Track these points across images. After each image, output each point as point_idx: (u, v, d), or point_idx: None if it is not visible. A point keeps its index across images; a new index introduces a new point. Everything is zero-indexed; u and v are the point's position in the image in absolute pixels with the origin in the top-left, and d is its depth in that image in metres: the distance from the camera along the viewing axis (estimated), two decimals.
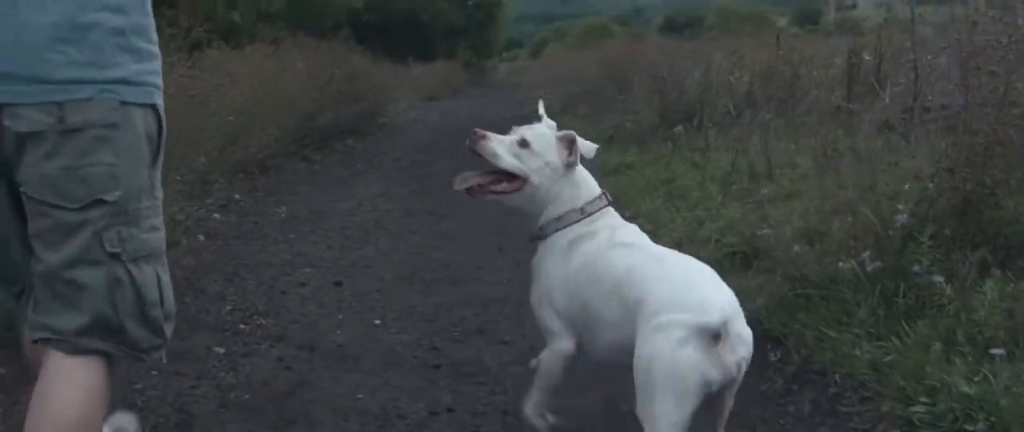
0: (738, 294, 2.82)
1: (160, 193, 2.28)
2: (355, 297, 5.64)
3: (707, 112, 9.51)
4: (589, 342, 2.98)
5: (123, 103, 2.12)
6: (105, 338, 2.17)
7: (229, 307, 5.36)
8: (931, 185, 4.25)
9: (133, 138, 2.15)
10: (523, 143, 3.07)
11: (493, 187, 3.09)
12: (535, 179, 3.03)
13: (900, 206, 4.35)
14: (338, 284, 5.93)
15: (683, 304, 2.62)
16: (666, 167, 8.76)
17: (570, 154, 3.06)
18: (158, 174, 2.26)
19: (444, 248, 7.00)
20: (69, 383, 2.14)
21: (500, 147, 3.08)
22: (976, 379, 3.30)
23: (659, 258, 2.95)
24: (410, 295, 5.67)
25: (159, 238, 2.25)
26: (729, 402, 2.77)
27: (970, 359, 3.44)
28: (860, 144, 6.96)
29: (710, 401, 2.65)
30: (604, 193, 3.15)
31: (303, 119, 12.04)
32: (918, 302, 3.96)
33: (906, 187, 4.48)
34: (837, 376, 3.84)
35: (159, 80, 2.24)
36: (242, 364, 4.43)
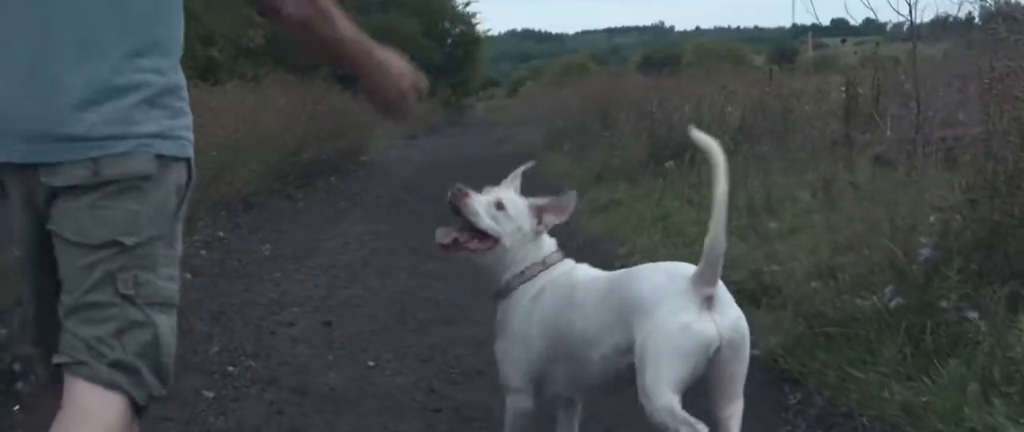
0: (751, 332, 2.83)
1: (179, 245, 2.25)
2: (346, 337, 5.43)
3: (699, 147, 9.32)
4: (580, 365, 2.99)
5: (158, 156, 2.12)
6: (121, 374, 2.11)
7: (217, 348, 5.15)
8: (959, 217, 4.05)
9: (163, 190, 2.15)
10: (499, 205, 3.12)
11: (467, 245, 3.13)
12: (507, 242, 3.09)
13: (923, 239, 4.16)
14: (328, 324, 5.72)
15: (668, 281, 2.80)
16: (659, 203, 8.59)
17: (540, 223, 3.15)
18: (179, 226, 2.25)
19: (433, 287, 6.78)
20: (89, 414, 2.09)
21: (480, 207, 3.11)
22: (1022, 421, 3.11)
23: (639, 267, 3.13)
24: (403, 335, 5.47)
25: (174, 289, 2.21)
26: (739, 385, 2.83)
27: (1015, 399, 3.24)
28: (860, 177, 6.82)
29: (717, 379, 2.77)
30: (559, 250, 3.22)
31: (285, 156, 11.83)
32: (949, 339, 3.76)
33: (931, 219, 4.28)
34: (865, 419, 3.63)
35: (191, 135, 2.22)
36: (232, 408, 4.22)
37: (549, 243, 3.19)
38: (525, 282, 3.09)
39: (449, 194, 3.13)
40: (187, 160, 2.21)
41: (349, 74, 2.38)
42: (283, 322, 5.77)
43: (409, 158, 19.63)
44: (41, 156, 2.05)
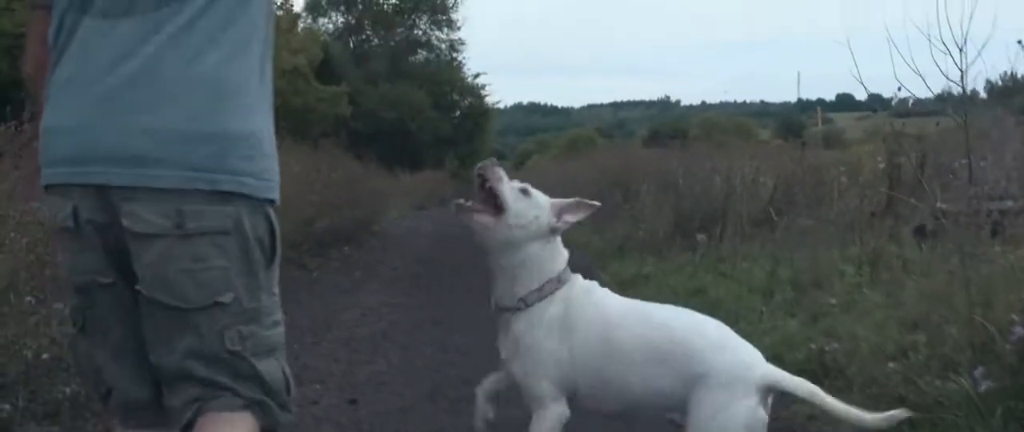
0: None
1: (277, 288, 2.30)
2: (374, 417, 5.08)
3: (731, 219, 9.02)
4: (614, 393, 3.00)
5: (239, 207, 2.18)
6: (248, 391, 2.23)
7: None
8: None
9: (244, 243, 2.20)
10: (525, 191, 3.09)
11: (477, 210, 3.06)
12: (512, 219, 3.02)
13: (1015, 316, 3.82)
14: (353, 402, 5.38)
15: (751, 367, 2.87)
16: (691, 277, 8.26)
17: (558, 220, 3.09)
18: (275, 274, 2.30)
19: (461, 363, 6.42)
20: (231, 422, 2.22)
21: (505, 177, 3.08)
22: None
23: (690, 319, 3.09)
24: (436, 416, 5.11)
25: (279, 333, 2.29)
26: None
27: None
28: (908, 250, 6.50)
29: None
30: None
31: (299, 224, 11.51)
32: None
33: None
34: None
35: (277, 177, 2.29)
36: None
37: (563, 255, 3.12)
38: (543, 299, 3.02)
39: (479, 164, 3.10)
40: (265, 213, 2.26)
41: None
42: (305, 400, 5.40)
43: (421, 229, 19.32)
44: (130, 179, 2.11)
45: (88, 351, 2.34)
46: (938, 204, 6.76)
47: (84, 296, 2.29)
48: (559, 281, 3.05)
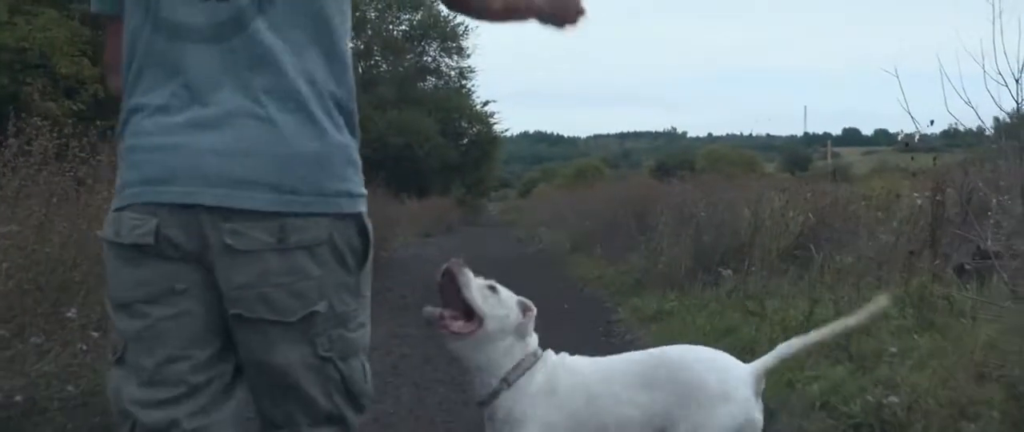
0: None
1: (368, 290, 2.36)
2: None
3: (758, 254, 8.59)
4: None
5: (333, 218, 2.20)
6: (328, 427, 2.34)
7: None
8: None
9: (334, 251, 2.22)
10: (493, 288, 3.09)
11: (452, 324, 3.03)
12: (489, 325, 3.02)
13: None
14: None
15: (741, 375, 2.96)
16: (718, 315, 7.82)
17: (524, 317, 3.10)
18: (366, 277, 2.33)
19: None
20: None
21: (472, 282, 3.06)
22: None
23: (663, 351, 3.20)
24: None
25: (364, 333, 2.37)
26: None
27: None
28: (955, 292, 6.06)
29: None
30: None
31: None
32: None
33: None
34: None
35: (364, 190, 2.34)
36: None
37: (533, 337, 3.13)
38: (524, 373, 3.04)
39: (442, 269, 3.06)
40: (358, 218, 2.28)
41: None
42: None
43: (428, 257, 18.85)
44: (215, 199, 2.12)
45: (118, 384, 2.28)
46: (988, 243, 6.35)
47: (139, 316, 2.22)
48: (535, 356, 3.08)
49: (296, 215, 2.15)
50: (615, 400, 3.00)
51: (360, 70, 42.01)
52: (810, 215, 8.99)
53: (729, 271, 8.60)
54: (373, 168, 18.88)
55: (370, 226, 2.33)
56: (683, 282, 9.59)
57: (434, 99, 42.87)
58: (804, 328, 6.11)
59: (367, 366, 2.42)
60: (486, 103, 44.99)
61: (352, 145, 2.30)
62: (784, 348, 3.09)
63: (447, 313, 3.04)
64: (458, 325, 3.03)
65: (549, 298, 12.03)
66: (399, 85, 42.55)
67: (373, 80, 41.94)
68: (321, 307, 2.22)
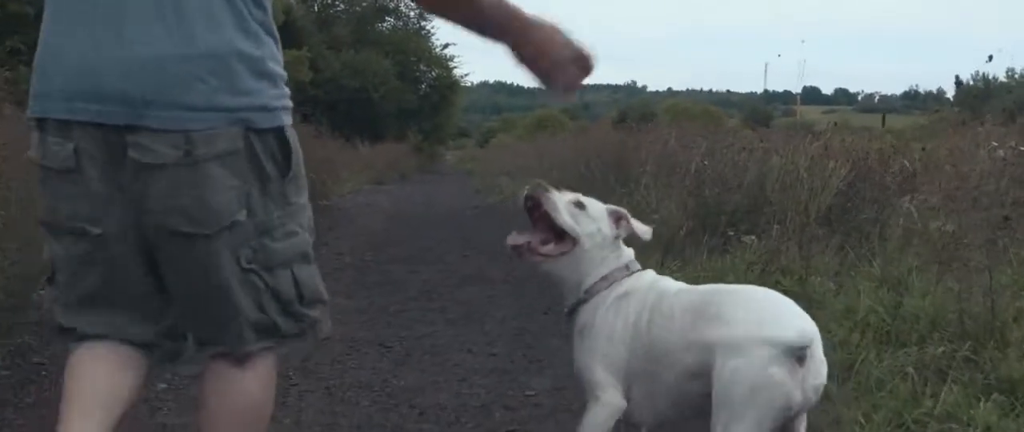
0: None
1: (299, 197, 2.31)
2: None
3: (791, 216, 6.69)
4: (654, 383, 2.84)
5: (248, 129, 2.16)
6: (264, 338, 2.29)
7: None
8: None
9: (253, 160, 2.18)
10: (579, 204, 2.98)
11: (541, 249, 2.95)
12: (586, 243, 2.95)
13: None
14: None
15: (768, 323, 2.62)
16: None
17: (618, 228, 3.01)
18: (293, 185, 2.28)
19: (411, 418, 4.16)
20: (242, 378, 2.29)
21: (560, 202, 2.95)
22: None
23: (733, 287, 3.03)
24: None
25: (293, 243, 2.29)
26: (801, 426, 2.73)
27: None
28: None
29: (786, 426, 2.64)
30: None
31: None
32: None
33: None
34: None
35: (288, 103, 2.27)
36: None
37: (628, 252, 3.05)
38: (608, 286, 2.95)
39: (524, 192, 2.97)
40: (279, 128, 2.23)
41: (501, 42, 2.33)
42: None
43: (378, 206, 16.92)
44: (148, 120, 2.08)
45: (50, 304, 2.39)
46: None
47: (65, 243, 2.27)
48: (627, 269, 2.98)
49: (199, 131, 2.09)
50: (668, 325, 2.82)
51: (316, 8, 40.20)
52: (855, 170, 7.05)
53: (752, 237, 6.73)
54: (325, 110, 16.97)
55: (292, 136, 2.25)
56: (683, 247, 7.70)
57: (392, 40, 41.33)
58: (886, 326, 4.29)
59: (300, 276, 2.30)
60: (446, 46, 43.17)
61: (267, 57, 2.20)
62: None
63: (535, 239, 2.97)
64: (549, 248, 2.96)
65: (513, 258, 10.08)
66: (356, 25, 41.01)
67: (328, 19, 40.39)
68: (241, 217, 2.17)
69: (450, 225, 13.12)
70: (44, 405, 4.25)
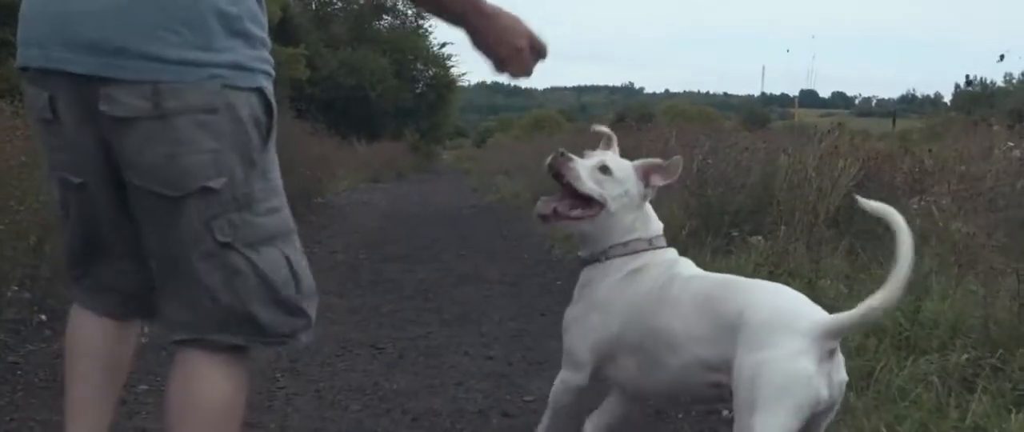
0: None
1: (275, 174, 2.20)
2: None
3: (799, 217, 6.47)
4: (654, 365, 2.80)
5: (225, 87, 2.06)
6: (236, 331, 2.14)
7: None
8: None
9: (235, 123, 2.08)
10: (604, 169, 2.96)
11: (569, 213, 2.96)
12: (612, 206, 2.94)
13: None
14: None
15: (794, 314, 2.55)
16: None
17: (648, 184, 3.00)
18: (270, 156, 2.18)
19: (403, 430, 3.94)
20: (209, 372, 2.15)
21: (583, 170, 2.94)
22: None
23: (746, 280, 2.93)
24: None
25: (280, 219, 2.18)
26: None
27: None
28: None
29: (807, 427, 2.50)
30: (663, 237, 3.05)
31: None
32: None
33: None
34: None
35: (269, 68, 2.18)
36: None
37: (657, 224, 3.04)
38: (625, 254, 2.93)
39: (549, 160, 2.96)
40: (259, 90, 2.13)
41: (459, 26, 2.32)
42: None
43: (373, 204, 16.70)
44: (110, 70, 2.01)
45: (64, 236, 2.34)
46: None
47: (58, 191, 2.25)
48: (650, 244, 2.96)
49: (169, 82, 2.00)
50: (675, 312, 2.75)
51: (314, 5, 40.01)
52: (866, 167, 6.81)
53: (759, 238, 6.51)
54: (322, 108, 16.80)
55: (274, 102, 2.17)
56: (686, 246, 7.48)
57: (389, 39, 41.12)
58: (908, 329, 4.08)
59: (294, 258, 2.17)
60: (444, 45, 42.97)
61: (245, 16, 2.10)
62: (868, 306, 2.49)
63: (562, 205, 2.96)
64: (578, 212, 2.95)
65: (510, 258, 10.39)
66: (353, 23, 40.77)
67: (326, 17, 40.12)
68: (216, 184, 2.05)
69: (446, 224, 12.90)
70: (16, 408, 4.04)
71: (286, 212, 2.20)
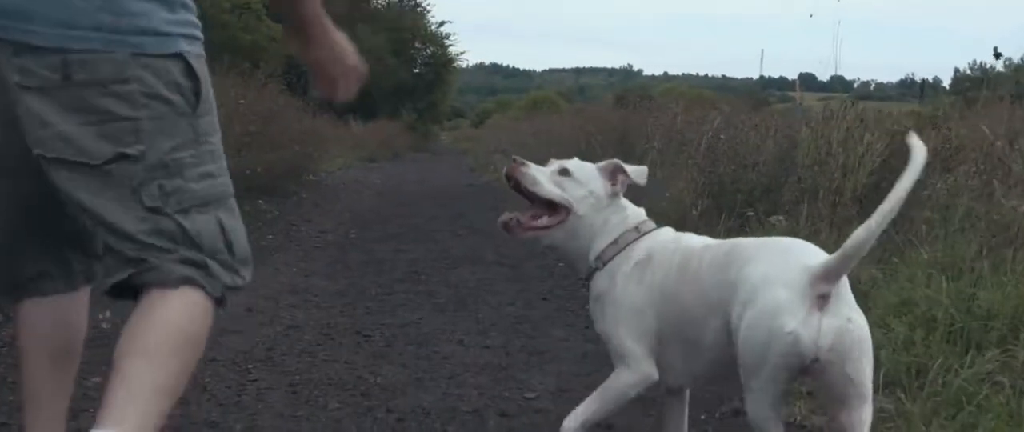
0: None
1: (213, 139, 2.12)
2: None
3: (823, 195, 5.98)
4: (693, 347, 2.66)
5: (136, 55, 1.99)
6: (194, 269, 2.05)
7: None
8: None
9: (150, 90, 2.01)
10: (564, 172, 2.86)
11: (533, 223, 2.84)
12: (579, 209, 2.83)
13: None
14: None
15: (783, 269, 2.40)
16: None
17: (615, 183, 2.88)
18: (206, 120, 2.10)
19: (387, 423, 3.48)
20: (171, 297, 2.04)
21: (540, 175, 2.85)
22: None
23: (755, 239, 2.77)
24: None
25: (214, 184, 2.10)
26: (856, 394, 2.38)
27: None
28: None
29: (828, 387, 2.38)
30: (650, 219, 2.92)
31: None
32: None
33: None
34: None
35: (192, 30, 2.09)
36: None
37: (635, 211, 2.89)
38: (621, 250, 2.80)
39: (504, 170, 2.88)
40: (178, 55, 2.04)
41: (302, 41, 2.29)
42: None
43: (368, 182, 16.21)
44: (14, 34, 1.95)
45: None
46: None
47: None
48: (637, 231, 2.83)
49: (78, 51, 1.93)
50: (696, 288, 2.62)
51: None
52: (893, 146, 6.30)
53: (779, 218, 6.02)
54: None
55: (199, 67, 2.07)
56: (698, 227, 7.01)
57: (387, 16, 40.37)
58: (961, 320, 3.61)
59: (228, 224, 2.10)
60: (442, 23, 42.35)
61: None
62: (852, 242, 2.30)
63: (525, 216, 2.85)
64: (544, 221, 2.84)
65: (509, 238, 9.38)
66: (350, 0, 40.16)
67: None
68: (133, 151, 1.99)
69: (442, 203, 12.40)
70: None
71: (223, 178, 2.13)
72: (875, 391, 3.75)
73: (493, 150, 22.69)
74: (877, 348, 4.04)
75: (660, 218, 7.69)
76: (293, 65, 26.30)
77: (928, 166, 6.56)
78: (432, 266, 7.11)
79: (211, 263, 2.06)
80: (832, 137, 6.37)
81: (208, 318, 2.09)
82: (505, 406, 3.69)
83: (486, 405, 3.72)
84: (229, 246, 2.10)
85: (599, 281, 2.83)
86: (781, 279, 2.36)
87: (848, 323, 2.34)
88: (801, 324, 2.30)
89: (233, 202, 2.16)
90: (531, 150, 16.36)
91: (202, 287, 2.05)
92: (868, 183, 6.04)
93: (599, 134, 12.94)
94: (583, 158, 3.04)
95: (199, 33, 2.12)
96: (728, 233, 6.75)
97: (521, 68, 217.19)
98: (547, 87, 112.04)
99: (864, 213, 5.95)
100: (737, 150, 7.68)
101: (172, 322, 2.02)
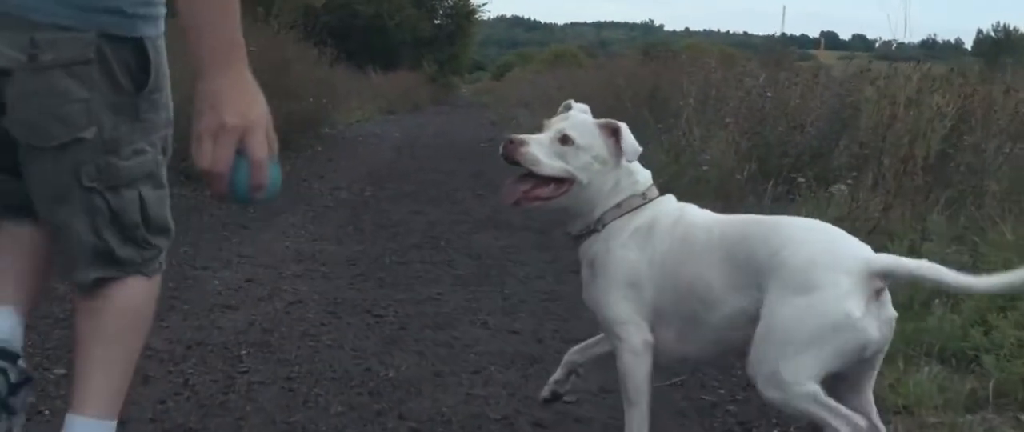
0: None
1: (154, 113, 2.07)
2: None
3: (889, 163, 5.39)
4: (694, 327, 2.56)
5: (101, 36, 1.95)
6: (107, 265, 2.09)
7: None
8: None
9: (107, 73, 1.98)
10: (564, 139, 2.66)
11: (538, 194, 2.69)
12: (583, 178, 2.67)
13: None
14: None
15: (841, 255, 2.34)
16: None
17: (617, 142, 2.66)
18: (147, 100, 2.05)
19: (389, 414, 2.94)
20: (121, 282, 2.10)
21: (540, 151, 2.65)
22: None
23: (777, 218, 2.64)
24: None
25: (143, 161, 2.08)
26: (873, 378, 2.43)
27: None
28: None
29: (853, 376, 2.37)
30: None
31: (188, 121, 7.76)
32: None
33: None
34: None
35: (155, 11, 2.04)
36: None
37: (645, 175, 2.74)
38: (623, 215, 2.67)
39: (501, 148, 2.68)
40: (137, 39, 2.01)
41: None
42: None
43: (388, 136, 15.65)
44: None
45: None
46: None
47: None
48: (643, 197, 2.69)
49: (47, 26, 1.90)
50: (707, 261, 2.51)
51: None
52: (963, 110, 5.67)
53: (841, 187, 5.44)
54: (339, 37, 15.48)
55: (153, 49, 2.03)
56: (741, 193, 6.44)
57: None
58: None
59: (149, 198, 2.09)
60: None
61: None
62: (930, 268, 2.33)
63: (528, 186, 2.69)
64: (548, 191, 2.68)
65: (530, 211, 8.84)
66: None
67: None
68: (88, 134, 1.98)
69: (463, 158, 11.84)
70: None
71: (155, 153, 2.08)
72: (983, 407, 3.20)
73: (515, 103, 22.08)
74: (977, 351, 3.48)
75: (700, 184, 7.20)
76: (310, 11, 25.80)
77: (1000, 133, 6.00)
78: (452, 230, 6.57)
79: (121, 251, 2.08)
80: (898, 97, 5.76)
81: (154, 290, 2.17)
82: (540, 413, 3.11)
83: (517, 410, 3.16)
84: (146, 221, 2.09)
85: (594, 244, 2.70)
86: (839, 266, 2.31)
87: (894, 320, 2.35)
88: (864, 316, 2.27)
89: (160, 174, 2.11)
90: (554, 104, 15.77)
91: (140, 272, 2.11)
92: (938, 150, 5.44)
93: (629, 88, 12.29)
94: (613, 115, 2.86)
95: (162, 11, 2.05)
96: (775, 201, 6.18)
97: (543, 22, 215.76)
98: (568, 41, 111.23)
99: (935, 184, 5.42)
100: (784, 110, 7.07)
101: (120, 321, 2.11)
